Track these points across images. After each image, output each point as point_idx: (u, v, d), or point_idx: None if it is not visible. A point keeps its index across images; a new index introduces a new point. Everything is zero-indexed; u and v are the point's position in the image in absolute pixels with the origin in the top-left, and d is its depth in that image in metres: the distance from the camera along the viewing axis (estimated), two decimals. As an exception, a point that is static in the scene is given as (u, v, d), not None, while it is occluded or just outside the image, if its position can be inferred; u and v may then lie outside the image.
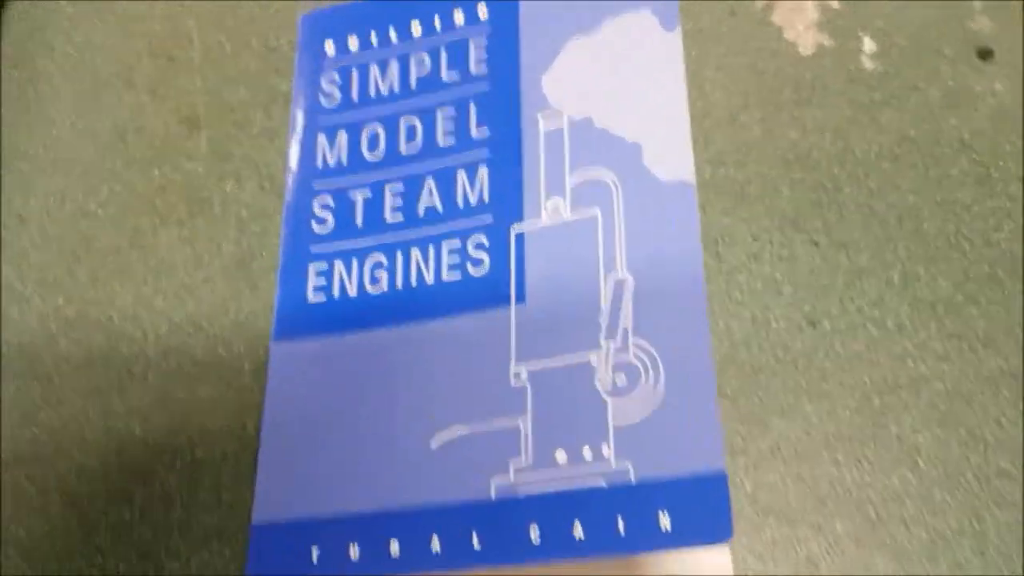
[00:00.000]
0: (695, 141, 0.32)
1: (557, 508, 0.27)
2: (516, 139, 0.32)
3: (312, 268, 0.33)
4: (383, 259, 0.32)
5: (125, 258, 0.35)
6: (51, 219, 0.35)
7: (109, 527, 0.31)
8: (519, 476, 0.28)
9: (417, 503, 0.28)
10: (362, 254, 0.32)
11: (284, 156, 0.35)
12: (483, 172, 0.32)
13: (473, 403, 0.29)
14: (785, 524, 0.29)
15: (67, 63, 0.38)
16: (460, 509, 0.28)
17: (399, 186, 0.33)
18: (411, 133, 0.34)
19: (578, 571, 0.27)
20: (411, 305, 0.31)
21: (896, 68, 0.34)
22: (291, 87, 0.36)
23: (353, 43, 0.36)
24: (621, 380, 0.28)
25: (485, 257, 0.31)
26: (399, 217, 0.32)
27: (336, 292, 0.32)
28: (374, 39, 0.36)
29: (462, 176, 0.32)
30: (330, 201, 0.33)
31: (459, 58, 0.34)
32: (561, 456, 0.28)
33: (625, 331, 0.29)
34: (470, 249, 0.31)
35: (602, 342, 0.29)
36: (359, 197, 0.33)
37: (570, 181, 0.31)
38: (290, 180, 0.34)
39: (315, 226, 0.33)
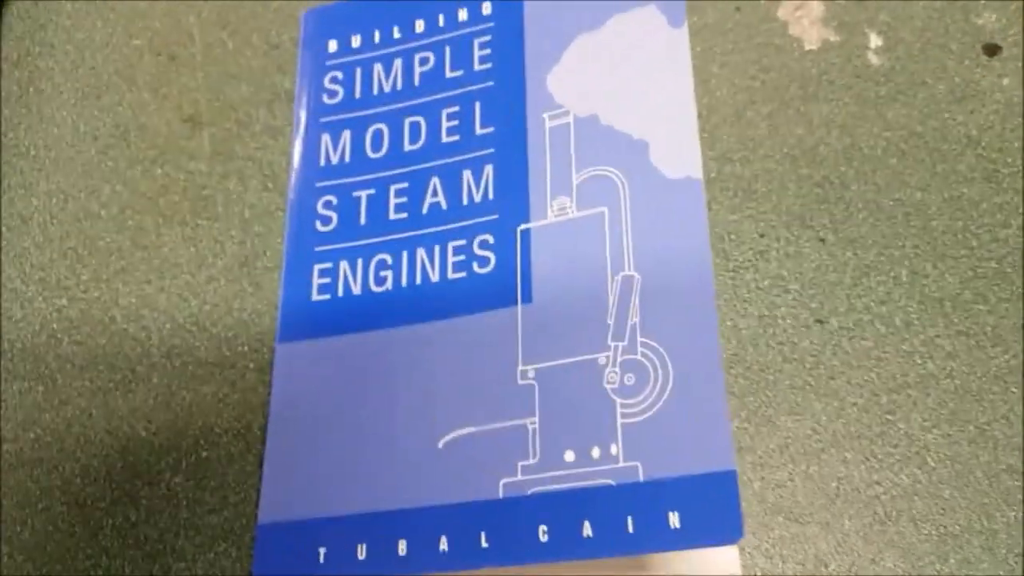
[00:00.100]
0: (700, 138, 0.32)
1: (566, 507, 0.27)
2: (521, 137, 0.32)
3: (316, 267, 0.32)
4: (388, 258, 0.32)
5: (128, 258, 0.34)
6: (53, 219, 0.35)
7: (114, 528, 0.31)
8: (527, 475, 0.28)
9: (425, 503, 0.28)
10: (367, 253, 0.32)
11: (287, 155, 0.35)
12: (488, 170, 0.32)
13: (480, 403, 0.29)
14: (793, 522, 0.28)
15: (68, 61, 0.38)
16: (468, 509, 0.28)
17: (403, 184, 0.33)
18: (415, 131, 0.33)
19: (584, 570, 0.27)
20: (417, 304, 0.31)
21: (902, 64, 0.34)
22: (294, 85, 0.36)
23: (356, 40, 0.36)
24: (629, 379, 0.28)
25: (491, 256, 0.31)
26: (403, 216, 0.32)
27: (341, 291, 0.32)
28: (377, 37, 0.35)
29: (467, 174, 0.32)
30: (334, 200, 0.33)
31: (463, 56, 0.34)
32: (569, 455, 0.28)
33: (633, 329, 0.29)
34: (476, 248, 0.31)
35: (610, 341, 0.29)
36: (363, 196, 0.33)
37: (576, 179, 0.31)
38: (293, 179, 0.34)
39: (319, 225, 0.33)
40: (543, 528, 0.27)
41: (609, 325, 0.29)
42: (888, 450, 0.29)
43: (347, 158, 0.34)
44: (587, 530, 0.27)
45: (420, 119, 0.34)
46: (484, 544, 0.27)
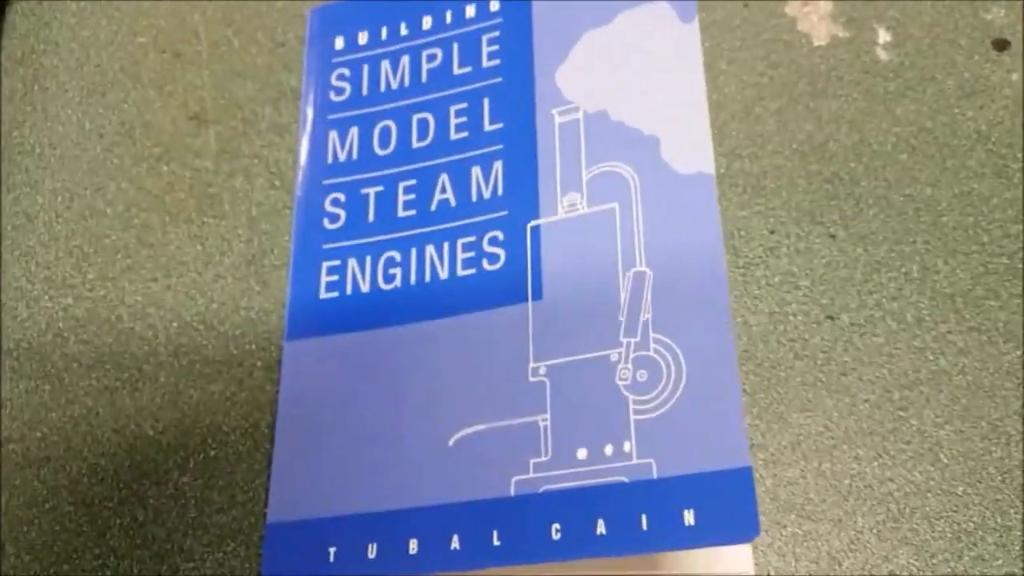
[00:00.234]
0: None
1: (579, 505, 0.27)
2: (531, 133, 0.32)
3: (324, 265, 0.32)
4: (397, 255, 0.32)
5: (134, 256, 0.34)
6: (58, 217, 0.35)
7: (122, 528, 0.31)
8: (539, 473, 0.28)
9: (435, 501, 0.28)
10: (375, 250, 0.32)
11: (294, 152, 0.35)
12: (497, 167, 0.32)
13: (491, 400, 0.29)
14: (806, 520, 0.28)
15: (73, 59, 0.38)
16: (479, 507, 0.28)
17: (412, 181, 0.33)
18: (423, 128, 0.33)
19: (595, 568, 0.27)
20: (426, 302, 0.31)
21: (911, 59, 0.34)
22: (300, 82, 0.36)
23: (363, 37, 0.35)
24: (642, 376, 0.28)
25: (501, 252, 0.31)
26: (412, 213, 0.32)
27: (349, 289, 0.32)
28: (384, 33, 0.35)
29: (476, 171, 0.32)
30: (342, 197, 0.33)
31: (471, 52, 0.34)
32: (582, 453, 0.28)
33: (645, 326, 0.29)
34: (485, 244, 0.31)
35: (622, 338, 0.29)
36: (371, 193, 0.33)
37: (586, 175, 0.31)
38: (301, 176, 0.34)
39: (327, 223, 0.33)
40: (556, 526, 0.27)
41: (621, 321, 0.29)
42: (901, 447, 0.29)
43: (355, 155, 0.34)
44: (600, 528, 0.27)
45: (428, 116, 0.33)
46: (496, 542, 0.27)
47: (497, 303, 0.30)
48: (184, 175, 0.35)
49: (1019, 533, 0.27)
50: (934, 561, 0.28)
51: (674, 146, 0.31)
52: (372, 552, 0.28)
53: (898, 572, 0.28)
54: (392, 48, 0.35)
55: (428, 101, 0.34)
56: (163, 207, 0.35)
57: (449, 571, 0.27)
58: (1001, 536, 0.27)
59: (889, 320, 0.30)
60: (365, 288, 0.31)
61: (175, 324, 0.33)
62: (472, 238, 0.31)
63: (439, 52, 0.34)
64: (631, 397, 0.28)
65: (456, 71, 0.34)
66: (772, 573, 0.28)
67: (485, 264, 0.31)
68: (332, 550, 0.28)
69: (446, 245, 0.31)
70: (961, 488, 0.28)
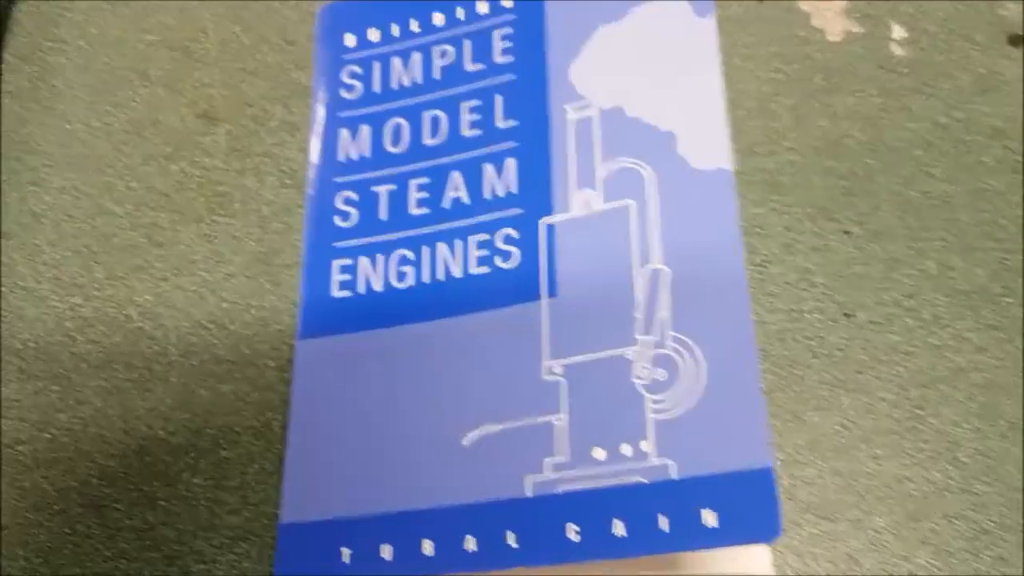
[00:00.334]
0: (726, 130, 0.32)
1: (596, 506, 0.27)
2: (544, 130, 0.32)
3: (336, 263, 0.32)
4: (409, 254, 0.31)
5: (144, 255, 0.34)
6: (67, 216, 0.35)
7: (132, 530, 0.30)
8: (555, 473, 0.27)
9: (450, 502, 0.28)
10: (387, 249, 0.32)
11: (304, 151, 0.35)
12: (511, 164, 0.32)
13: (505, 400, 0.29)
14: (824, 520, 0.28)
15: (80, 57, 0.37)
16: (495, 507, 0.27)
17: (424, 179, 0.32)
18: (435, 125, 0.33)
19: (611, 569, 0.26)
20: (439, 300, 0.30)
21: (926, 55, 0.33)
22: (310, 80, 0.36)
23: (374, 35, 0.35)
24: (660, 374, 0.28)
25: (515, 250, 0.30)
26: (425, 211, 0.32)
27: (361, 288, 0.31)
28: (395, 30, 0.35)
29: (489, 168, 0.32)
30: (353, 195, 0.33)
31: (483, 49, 0.34)
32: (599, 453, 0.27)
33: (663, 324, 0.28)
34: (498, 242, 0.31)
35: (638, 336, 0.28)
36: (383, 191, 0.33)
37: (601, 172, 0.31)
38: (311, 174, 0.34)
39: (338, 221, 0.33)
40: (573, 527, 0.27)
41: (638, 319, 0.29)
42: (919, 445, 0.29)
43: (366, 153, 0.33)
44: (619, 529, 0.26)
45: (440, 113, 0.33)
46: (512, 544, 0.27)
47: (511, 301, 0.30)
48: (194, 173, 0.35)
49: (1040, 532, 0.27)
50: (953, 561, 0.27)
51: (691, 142, 0.30)
52: (386, 553, 0.28)
53: (917, 572, 0.27)
54: (403, 45, 0.35)
55: (440, 98, 0.33)
56: (173, 206, 0.34)
57: (464, 572, 0.27)
58: (1022, 536, 0.27)
59: (906, 318, 0.30)
60: (378, 287, 0.31)
61: (185, 323, 0.33)
62: (485, 236, 0.31)
63: (451, 49, 0.34)
64: (649, 396, 0.28)
65: (468, 68, 0.34)
66: (790, 573, 0.28)
67: (499, 262, 0.30)
68: (346, 551, 0.28)
69: (459, 243, 0.31)
70: (980, 487, 0.28)
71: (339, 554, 0.28)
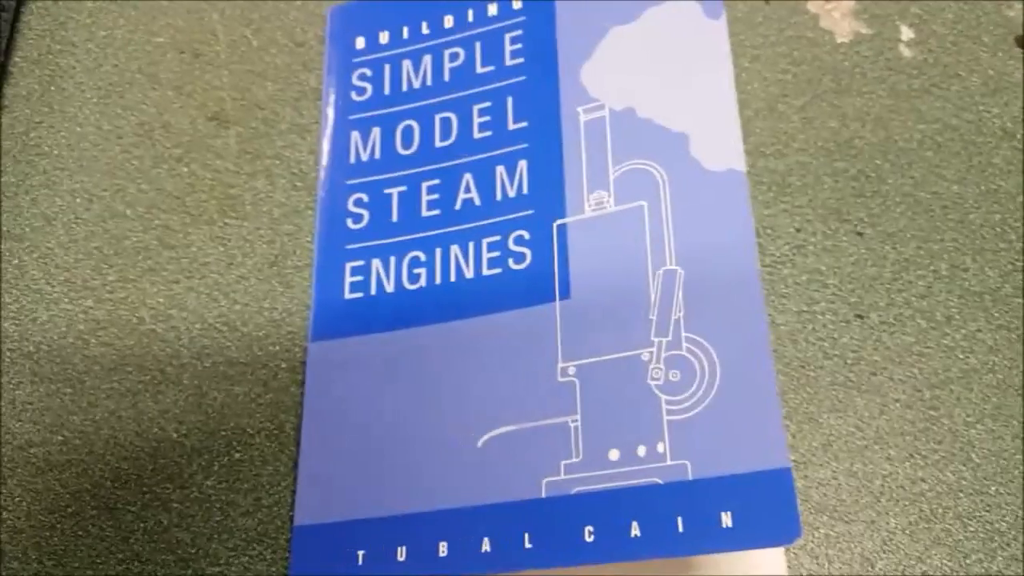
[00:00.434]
0: (735, 132, 0.32)
1: (612, 507, 0.27)
2: (556, 131, 0.32)
3: (348, 265, 0.32)
4: (421, 255, 0.31)
5: (155, 258, 0.34)
6: (78, 219, 0.35)
7: (146, 533, 0.30)
8: (571, 474, 0.27)
9: (465, 503, 0.28)
10: (399, 250, 0.32)
11: (315, 153, 0.35)
12: (522, 165, 0.32)
13: (520, 401, 0.29)
14: (838, 521, 0.28)
15: (90, 60, 0.37)
16: (510, 509, 0.27)
17: (435, 181, 0.32)
18: (446, 127, 0.33)
19: (627, 571, 0.26)
20: (451, 302, 0.30)
21: (935, 56, 0.33)
22: (321, 83, 0.36)
23: (384, 37, 0.35)
24: (674, 375, 0.28)
25: (527, 252, 0.30)
26: (436, 212, 0.32)
27: (373, 290, 0.31)
28: (406, 33, 0.35)
29: (501, 170, 0.32)
30: (365, 197, 0.33)
31: (494, 51, 0.34)
32: (614, 454, 0.27)
33: (677, 325, 0.28)
34: (511, 244, 0.31)
35: (653, 337, 0.28)
36: (394, 193, 0.33)
37: (613, 173, 0.31)
38: (323, 176, 0.34)
39: (350, 223, 0.33)
40: (589, 528, 0.27)
41: (651, 320, 0.29)
42: (932, 446, 0.29)
43: (377, 155, 0.33)
44: (635, 530, 0.26)
45: (451, 115, 0.33)
46: (528, 545, 0.27)
47: (524, 303, 0.30)
48: (205, 176, 0.35)
49: (1053, 532, 0.27)
50: (968, 561, 0.27)
51: (703, 143, 0.30)
52: (401, 555, 0.28)
53: (931, 573, 0.27)
54: (414, 47, 0.35)
55: (451, 100, 0.33)
56: (184, 208, 0.34)
57: (480, 573, 0.27)
58: (1021, 535, 0.27)
59: (918, 319, 0.30)
60: (390, 288, 0.31)
61: (198, 326, 0.33)
62: (497, 237, 0.31)
63: (461, 51, 0.34)
64: (664, 397, 0.28)
65: (479, 70, 0.34)
66: (804, 574, 0.28)
67: (511, 263, 0.31)
68: (360, 553, 0.28)
69: (471, 245, 0.31)
70: (994, 488, 0.28)
71: (354, 556, 0.28)
